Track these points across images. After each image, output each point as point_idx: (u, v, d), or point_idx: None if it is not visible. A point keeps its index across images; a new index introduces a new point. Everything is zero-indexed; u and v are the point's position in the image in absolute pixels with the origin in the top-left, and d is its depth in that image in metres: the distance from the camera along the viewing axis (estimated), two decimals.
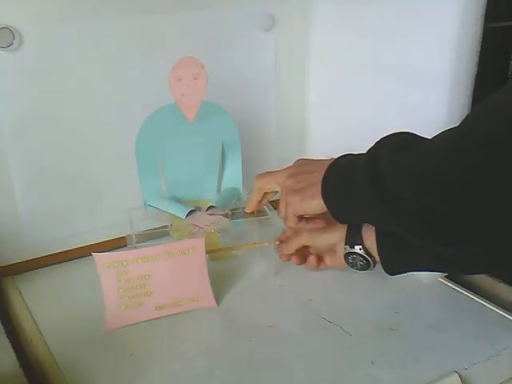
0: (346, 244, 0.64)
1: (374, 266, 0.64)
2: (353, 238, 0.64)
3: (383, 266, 0.62)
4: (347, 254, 0.65)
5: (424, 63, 0.63)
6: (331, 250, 0.67)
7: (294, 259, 0.70)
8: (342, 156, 0.56)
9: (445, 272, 0.67)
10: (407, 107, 0.66)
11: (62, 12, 0.66)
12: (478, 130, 0.41)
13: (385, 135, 0.51)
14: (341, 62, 0.76)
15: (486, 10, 0.57)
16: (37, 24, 0.65)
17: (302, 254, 0.70)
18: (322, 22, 0.78)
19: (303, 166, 0.62)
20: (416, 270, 0.63)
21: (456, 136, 0.43)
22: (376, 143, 0.51)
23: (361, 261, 0.64)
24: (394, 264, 0.61)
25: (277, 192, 0.66)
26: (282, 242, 0.70)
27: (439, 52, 0.61)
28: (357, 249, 0.63)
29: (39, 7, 0.64)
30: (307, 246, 0.69)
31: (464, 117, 0.43)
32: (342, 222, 0.59)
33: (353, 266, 0.65)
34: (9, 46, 0.63)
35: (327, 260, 0.69)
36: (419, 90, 0.64)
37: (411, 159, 0.45)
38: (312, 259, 0.69)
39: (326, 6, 0.77)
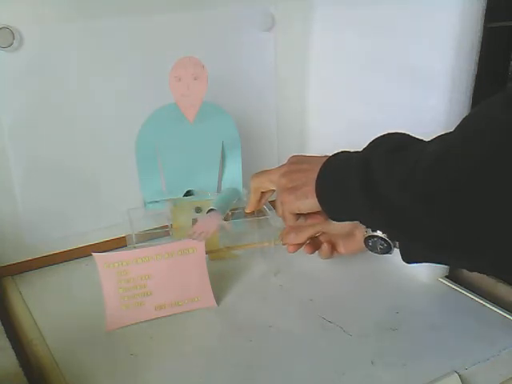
0: (367, 227, 0.63)
1: (393, 250, 0.62)
2: None
3: (401, 252, 0.60)
4: (368, 238, 0.63)
5: (424, 63, 0.63)
6: (349, 234, 0.66)
7: (306, 248, 0.68)
8: (335, 154, 0.55)
9: (458, 267, 0.66)
10: (407, 107, 0.66)
11: (61, 12, 0.66)
12: (472, 137, 0.40)
13: (378, 136, 0.50)
14: (341, 61, 0.76)
15: (486, 10, 0.57)
16: (37, 24, 0.65)
17: (313, 242, 0.68)
18: (321, 21, 0.78)
19: (297, 163, 0.61)
20: (432, 262, 0.61)
21: (449, 141, 0.42)
22: (368, 145, 0.50)
23: (381, 244, 0.62)
24: (412, 252, 0.59)
25: (274, 191, 0.65)
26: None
27: (439, 52, 0.61)
28: (379, 232, 0.62)
29: (39, 7, 0.64)
30: (317, 235, 0.68)
31: (463, 117, 0.43)
32: (337, 220, 0.58)
33: (372, 249, 0.64)
34: (9, 46, 0.63)
35: (340, 247, 0.68)
36: (419, 89, 0.64)
37: (403, 164, 0.44)
38: (326, 247, 0.67)
39: (326, 6, 0.77)
